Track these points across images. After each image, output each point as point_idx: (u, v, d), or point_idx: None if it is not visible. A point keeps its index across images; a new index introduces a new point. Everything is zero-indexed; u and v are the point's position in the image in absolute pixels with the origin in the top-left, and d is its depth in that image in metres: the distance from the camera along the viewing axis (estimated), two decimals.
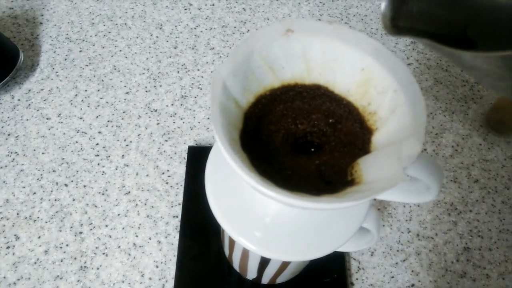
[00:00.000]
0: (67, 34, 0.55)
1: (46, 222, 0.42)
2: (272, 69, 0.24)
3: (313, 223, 0.27)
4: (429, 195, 0.22)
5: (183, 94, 0.51)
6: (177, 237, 0.42)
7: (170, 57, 0.54)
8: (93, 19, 0.57)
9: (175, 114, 0.50)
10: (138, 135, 0.48)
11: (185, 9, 0.59)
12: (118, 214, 0.43)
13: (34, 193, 0.43)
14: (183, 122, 0.49)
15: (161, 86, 0.52)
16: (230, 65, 0.22)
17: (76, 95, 0.50)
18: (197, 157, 0.46)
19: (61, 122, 0.48)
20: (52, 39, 0.55)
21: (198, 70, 0.54)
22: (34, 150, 0.46)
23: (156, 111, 0.50)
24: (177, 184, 0.45)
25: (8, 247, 0.40)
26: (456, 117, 0.53)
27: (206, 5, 0.60)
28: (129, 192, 0.44)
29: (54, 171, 0.45)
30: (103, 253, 0.41)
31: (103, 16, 0.58)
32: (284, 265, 0.32)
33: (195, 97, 0.51)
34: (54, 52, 0.54)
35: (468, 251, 0.44)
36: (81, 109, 0.49)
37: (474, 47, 0.20)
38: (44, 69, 0.52)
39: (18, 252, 0.40)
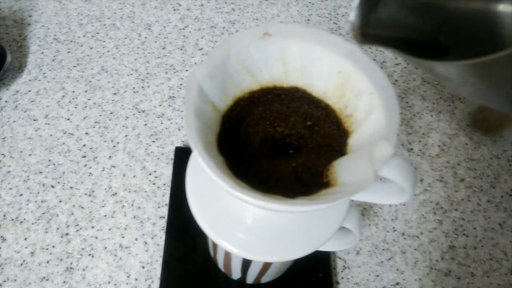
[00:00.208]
0: (55, 35, 0.55)
1: (32, 223, 0.42)
2: (250, 72, 0.24)
3: (293, 223, 0.28)
4: (403, 196, 0.22)
5: (171, 95, 0.51)
6: (164, 237, 0.42)
7: (158, 57, 0.55)
8: (81, 19, 0.57)
9: (163, 115, 0.50)
10: (126, 136, 0.48)
11: (174, 10, 0.60)
12: (105, 215, 0.43)
13: (21, 194, 0.43)
14: (171, 123, 0.49)
15: (149, 87, 0.52)
16: (206, 68, 0.22)
17: (63, 96, 0.50)
18: (184, 158, 0.45)
19: (48, 124, 0.48)
20: (40, 40, 0.55)
21: (187, 71, 0.54)
22: (21, 151, 0.46)
23: (143, 112, 0.50)
24: (164, 185, 0.45)
25: None
26: (443, 116, 0.53)
27: (195, 5, 0.60)
28: (116, 193, 0.44)
29: (40, 172, 0.45)
30: (89, 254, 0.41)
31: (91, 17, 0.58)
32: (267, 265, 0.32)
33: (183, 98, 0.51)
34: (42, 53, 0.54)
35: (453, 250, 0.44)
36: (68, 110, 0.49)
37: (447, 53, 0.20)
38: (31, 70, 0.52)
39: (4, 254, 0.40)
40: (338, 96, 0.24)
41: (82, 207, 0.43)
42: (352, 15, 0.19)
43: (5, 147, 0.46)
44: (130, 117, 0.49)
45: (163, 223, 0.43)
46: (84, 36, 0.56)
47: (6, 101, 0.49)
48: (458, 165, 0.49)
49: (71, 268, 0.40)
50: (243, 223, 0.27)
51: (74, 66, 0.53)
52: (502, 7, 0.21)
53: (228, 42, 0.23)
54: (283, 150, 0.25)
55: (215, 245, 0.34)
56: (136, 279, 0.40)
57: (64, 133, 0.47)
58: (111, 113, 0.49)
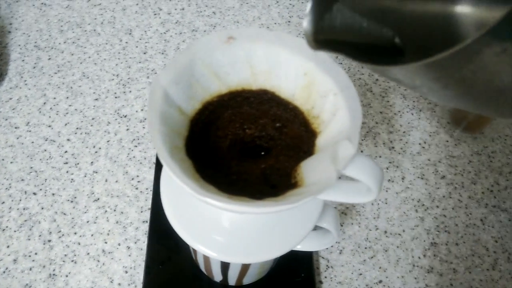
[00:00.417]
0: (35, 42, 0.55)
1: (14, 231, 0.42)
2: (218, 76, 0.25)
3: (267, 225, 0.28)
4: (370, 195, 0.22)
5: None
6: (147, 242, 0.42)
7: (139, 62, 0.55)
8: (62, 26, 0.57)
9: (145, 119, 0.50)
10: (108, 141, 0.48)
11: (155, 14, 0.60)
12: (87, 221, 0.43)
13: (3, 202, 0.43)
14: None
15: (130, 91, 0.52)
16: (171, 74, 0.22)
17: (44, 103, 0.50)
18: None
19: (30, 131, 0.48)
20: (21, 47, 0.55)
21: None
22: (3, 159, 0.46)
23: (125, 117, 0.50)
24: (146, 189, 0.45)
25: None
26: (423, 114, 0.54)
27: (176, 9, 0.60)
28: (98, 198, 0.44)
29: (22, 180, 0.45)
30: (72, 261, 0.41)
31: (72, 23, 0.58)
32: (246, 266, 0.32)
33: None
34: (23, 60, 0.54)
35: (435, 246, 0.45)
36: (49, 117, 0.49)
37: (402, 56, 0.20)
38: (12, 78, 0.52)
39: None
40: (305, 97, 0.24)
41: (64, 214, 0.43)
42: (305, 22, 0.19)
43: None
44: (112, 123, 0.49)
45: (146, 227, 0.43)
46: (65, 42, 0.56)
47: None
48: (439, 162, 0.50)
49: (54, 274, 0.40)
50: (218, 226, 0.27)
51: (55, 73, 0.53)
52: (459, 9, 0.21)
53: (192, 47, 0.23)
54: (253, 152, 0.25)
55: (194, 249, 0.34)
56: (119, 284, 0.40)
57: (46, 140, 0.47)
58: (92, 119, 0.49)
